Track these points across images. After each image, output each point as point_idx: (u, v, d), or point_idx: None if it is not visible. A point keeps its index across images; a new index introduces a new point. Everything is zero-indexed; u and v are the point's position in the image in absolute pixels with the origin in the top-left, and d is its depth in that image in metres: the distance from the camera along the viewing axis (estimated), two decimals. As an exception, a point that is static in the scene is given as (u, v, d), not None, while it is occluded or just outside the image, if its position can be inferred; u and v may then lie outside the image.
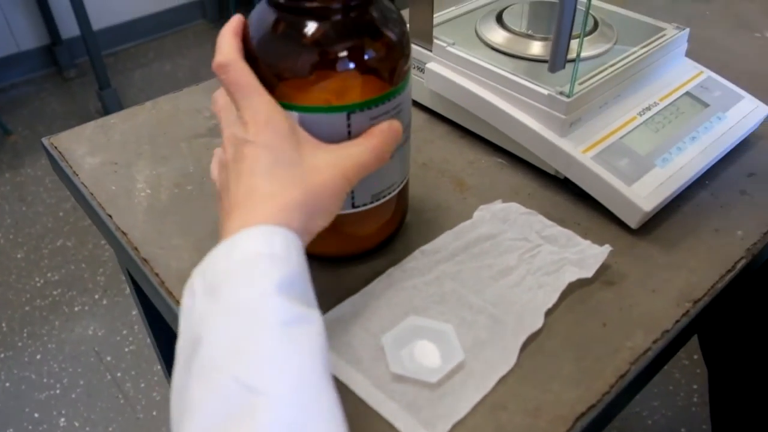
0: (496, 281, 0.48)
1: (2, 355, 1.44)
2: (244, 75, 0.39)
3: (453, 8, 0.68)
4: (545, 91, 0.54)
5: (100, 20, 2.40)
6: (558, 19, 0.49)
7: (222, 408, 0.29)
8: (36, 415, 1.32)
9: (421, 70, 0.63)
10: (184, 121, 0.67)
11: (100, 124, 0.67)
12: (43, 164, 2.00)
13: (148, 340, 1.35)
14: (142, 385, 1.37)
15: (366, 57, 0.40)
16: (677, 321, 0.45)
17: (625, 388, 0.42)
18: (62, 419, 1.31)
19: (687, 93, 0.61)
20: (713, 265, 0.50)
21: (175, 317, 0.44)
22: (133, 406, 1.33)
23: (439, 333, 0.44)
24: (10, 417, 1.32)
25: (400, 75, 0.42)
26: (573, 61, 0.52)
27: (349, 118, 0.41)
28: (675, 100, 0.60)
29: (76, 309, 1.54)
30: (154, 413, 1.32)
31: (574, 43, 0.52)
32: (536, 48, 0.59)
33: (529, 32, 0.61)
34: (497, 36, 0.61)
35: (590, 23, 0.62)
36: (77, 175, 0.60)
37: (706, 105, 0.60)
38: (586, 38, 0.59)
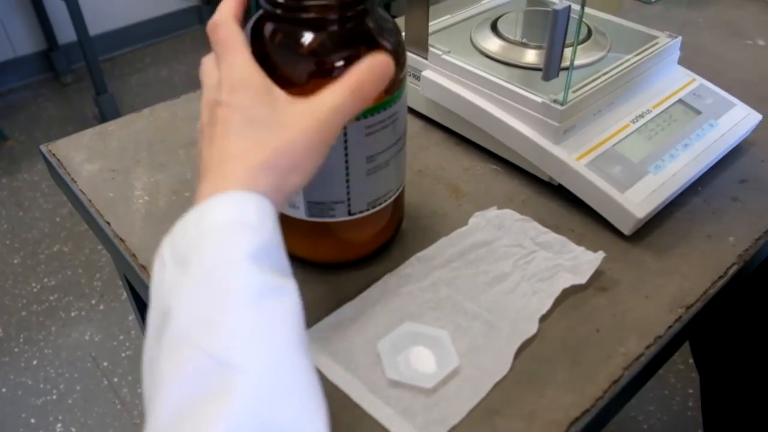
0: (491, 287, 0.48)
1: (-1, 361, 1.44)
2: (230, 34, 0.38)
3: (448, 16, 0.69)
4: (539, 99, 0.54)
5: (96, 26, 2.41)
6: (551, 29, 0.49)
7: (194, 383, 0.27)
8: (32, 420, 1.32)
9: (417, 77, 0.64)
10: (181, 128, 0.68)
11: (98, 131, 0.67)
12: (40, 169, 2.00)
13: (145, 346, 1.35)
14: (139, 390, 1.37)
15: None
16: (670, 327, 0.46)
17: (619, 393, 0.42)
18: (59, 425, 1.31)
19: (680, 100, 0.61)
20: (705, 271, 0.50)
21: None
22: (130, 412, 1.33)
23: (435, 339, 0.44)
24: (6, 423, 1.31)
25: (395, 84, 0.43)
26: (567, 69, 0.53)
27: (345, 127, 0.41)
28: (668, 108, 0.60)
29: (72, 314, 1.54)
30: (151, 419, 1.32)
31: (567, 52, 0.53)
32: (531, 56, 0.60)
33: (524, 41, 0.61)
34: (492, 44, 0.62)
35: (584, 31, 0.62)
36: (75, 182, 0.60)
37: (699, 112, 0.61)
38: (579, 46, 0.60)
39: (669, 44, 0.63)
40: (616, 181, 0.53)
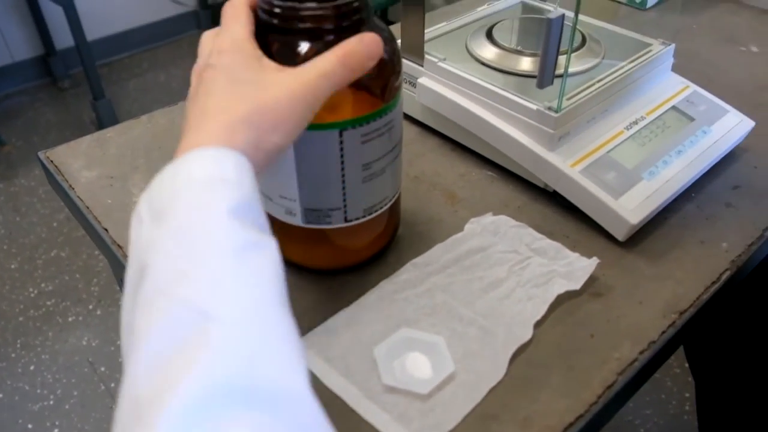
0: (487, 293, 0.49)
1: (-4, 366, 1.44)
2: (236, 11, 0.39)
3: (444, 24, 0.70)
4: (534, 106, 0.55)
5: (94, 31, 2.41)
6: (545, 37, 0.50)
7: (171, 333, 0.27)
8: (29, 426, 1.32)
9: (413, 84, 0.64)
10: (179, 134, 0.68)
11: (95, 138, 0.68)
12: (37, 175, 2.00)
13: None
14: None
15: None
16: (663, 332, 0.46)
17: (613, 398, 0.43)
18: (56, 430, 1.31)
19: (673, 107, 0.62)
20: (699, 277, 0.51)
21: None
22: (127, 417, 1.33)
23: (431, 345, 0.45)
24: (3, 428, 1.31)
25: (391, 92, 0.43)
26: (561, 76, 0.53)
27: (341, 135, 0.42)
28: (661, 115, 0.61)
29: (70, 319, 1.54)
30: (148, 424, 1.32)
31: (562, 59, 0.53)
32: (525, 64, 0.61)
33: (519, 48, 0.62)
34: (487, 52, 0.62)
35: (578, 39, 0.63)
36: (73, 188, 0.61)
37: (692, 119, 0.61)
38: (573, 54, 0.61)
39: (662, 51, 0.63)
40: (610, 187, 0.54)
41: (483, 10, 0.73)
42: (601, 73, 0.60)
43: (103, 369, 1.43)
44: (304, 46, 0.40)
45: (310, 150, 0.42)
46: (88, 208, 0.58)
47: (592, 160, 0.55)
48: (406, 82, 0.65)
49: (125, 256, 0.53)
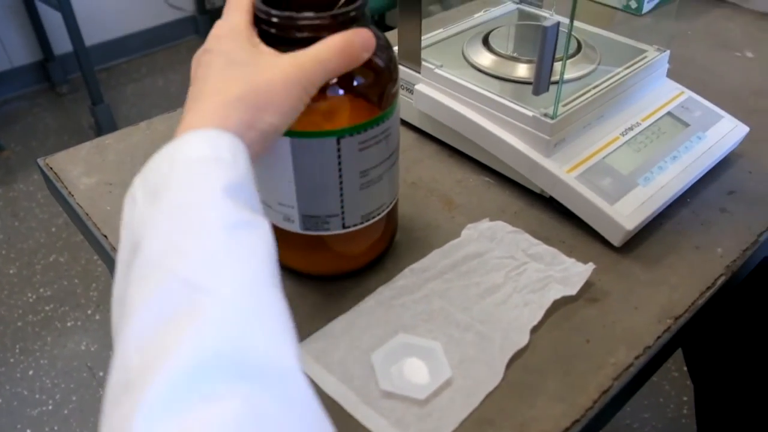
0: (483, 299, 0.49)
1: (-6, 372, 1.44)
2: (233, 1, 0.40)
3: (440, 30, 0.70)
4: (530, 113, 0.55)
5: (92, 36, 2.41)
6: (540, 45, 0.50)
7: (163, 306, 0.27)
8: (28, 431, 1.32)
9: (410, 91, 0.65)
10: (177, 141, 0.68)
11: (95, 144, 0.68)
12: (36, 180, 2.01)
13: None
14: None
15: (355, 83, 0.42)
16: (659, 337, 0.47)
17: (609, 403, 0.43)
18: (55, 436, 1.31)
19: (668, 113, 0.63)
20: (694, 282, 0.51)
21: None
22: (126, 422, 1.33)
23: (428, 350, 0.45)
24: (2, 434, 1.32)
25: (388, 99, 0.44)
26: (557, 83, 0.54)
27: (339, 142, 0.42)
28: (656, 120, 0.61)
29: (68, 324, 1.54)
30: (147, 429, 1.32)
31: (557, 66, 0.54)
32: (522, 70, 0.61)
33: (515, 55, 0.62)
34: (484, 58, 0.63)
35: (573, 45, 0.63)
36: (72, 195, 0.61)
37: (687, 125, 0.62)
38: (569, 60, 0.61)
39: (657, 58, 0.64)
40: (606, 193, 0.54)
41: (479, 16, 0.74)
42: (596, 79, 0.60)
43: (101, 374, 1.43)
44: None
45: (308, 157, 0.42)
46: (87, 214, 0.59)
47: (587, 166, 0.56)
48: (403, 89, 0.66)
49: (124, 262, 0.53)
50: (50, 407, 1.36)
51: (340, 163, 0.43)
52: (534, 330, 0.47)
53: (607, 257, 0.53)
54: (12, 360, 1.46)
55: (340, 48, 0.37)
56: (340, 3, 0.42)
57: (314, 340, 0.46)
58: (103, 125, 2.17)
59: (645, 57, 0.64)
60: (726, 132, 0.63)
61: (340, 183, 0.44)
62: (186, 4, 2.76)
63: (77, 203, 0.60)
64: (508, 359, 0.45)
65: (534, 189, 0.59)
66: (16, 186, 2.00)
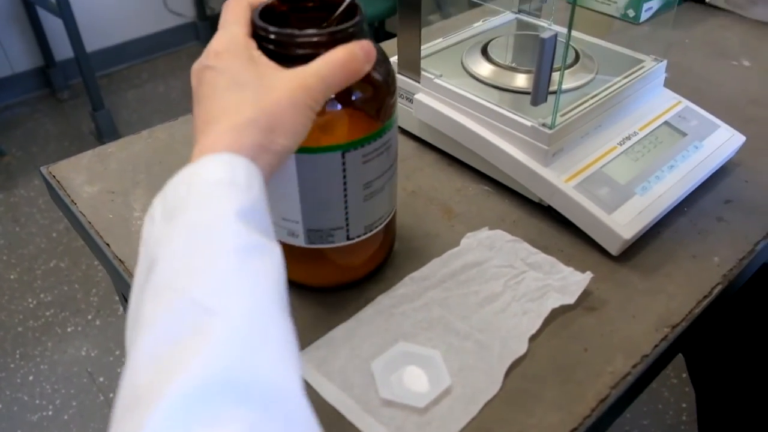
0: (483, 307, 0.50)
1: (-5, 377, 1.44)
2: (236, 10, 0.40)
3: (440, 40, 0.71)
4: (528, 123, 0.56)
5: (93, 42, 2.42)
6: (538, 56, 0.51)
7: (173, 325, 0.28)
8: (28, 437, 1.32)
9: (410, 100, 0.65)
10: (179, 149, 0.69)
11: (97, 153, 0.69)
12: (37, 185, 2.01)
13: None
14: (135, 406, 1.37)
15: (354, 97, 0.42)
16: (656, 346, 0.47)
17: (606, 411, 0.43)
18: (55, 441, 1.31)
19: (665, 123, 0.63)
20: (691, 291, 0.51)
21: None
22: (126, 428, 1.33)
23: (427, 359, 0.46)
24: (2, 439, 1.32)
25: (387, 111, 0.44)
26: (555, 93, 0.55)
27: (343, 157, 0.42)
28: (654, 130, 0.62)
29: (69, 330, 1.55)
30: (147, 435, 1.32)
31: (555, 76, 0.54)
32: (520, 80, 0.62)
33: (513, 65, 0.63)
34: (482, 68, 0.64)
35: (571, 55, 0.64)
36: (75, 203, 0.62)
37: (684, 134, 0.62)
38: (567, 70, 0.62)
39: (654, 68, 0.64)
40: (604, 202, 0.55)
41: (478, 26, 0.74)
42: (594, 89, 0.61)
43: (101, 379, 1.43)
44: None
45: (313, 173, 0.43)
46: (90, 223, 0.59)
47: (585, 175, 0.56)
48: (403, 98, 0.66)
49: (127, 270, 0.54)
50: (50, 412, 1.36)
51: (344, 177, 0.44)
52: (532, 338, 0.47)
53: (605, 266, 0.54)
54: (12, 365, 1.46)
55: (342, 63, 0.38)
56: (336, 14, 0.43)
57: (315, 348, 0.47)
58: (104, 131, 2.18)
59: (642, 67, 0.64)
60: (723, 141, 0.63)
61: (345, 196, 0.45)
62: (186, 10, 2.77)
63: (80, 211, 0.61)
64: (506, 368, 0.45)
65: (533, 198, 0.60)
66: (16, 191, 2.00)
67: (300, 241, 0.47)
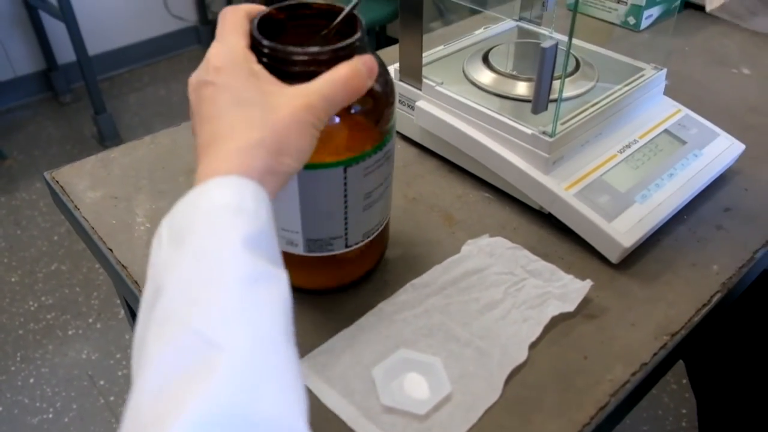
0: (483, 314, 0.50)
1: (-5, 380, 1.44)
2: (234, 21, 0.39)
3: (441, 47, 0.71)
4: (529, 131, 0.56)
5: (95, 46, 2.43)
6: (539, 65, 0.51)
7: (178, 360, 0.27)
8: (29, 440, 1.32)
9: (411, 107, 0.66)
10: (182, 155, 0.69)
11: (100, 158, 0.69)
12: (38, 188, 2.02)
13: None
14: (136, 409, 1.37)
15: (353, 111, 0.42)
16: (655, 354, 0.48)
17: (606, 419, 0.44)
18: (55, 444, 1.31)
19: (665, 131, 0.63)
20: (690, 300, 0.52)
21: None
22: (126, 431, 1.33)
23: (428, 366, 0.46)
24: (2, 442, 1.32)
25: (386, 121, 0.44)
26: (555, 101, 0.55)
27: (345, 171, 0.43)
28: (654, 138, 0.62)
29: (69, 333, 1.55)
30: (147, 438, 1.32)
31: (556, 84, 0.55)
32: (521, 88, 0.62)
33: (514, 73, 0.63)
34: (483, 76, 0.64)
35: (572, 64, 0.64)
36: (78, 209, 0.62)
37: (684, 142, 0.63)
38: (567, 78, 0.62)
39: (655, 76, 0.65)
40: (604, 210, 0.55)
41: (480, 33, 0.75)
42: (594, 97, 0.61)
43: (102, 382, 1.43)
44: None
45: (315, 187, 0.43)
46: (93, 228, 0.59)
47: (586, 183, 0.57)
48: (404, 105, 0.67)
49: (130, 276, 0.54)
50: (51, 415, 1.37)
51: (345, 190, 0.44)
52: (532, 346, 0.48)
53: (605, 274, 0.54)
54: (13, 368, 1.47)
55: (345, 81, 0.38)
56: (334, 24, 0.43)
57: (316, 354, 0.47)
58: (106, 134, 2.19)
59: (642, 75, 0.65)
60: (722, 150, 0.63)
61: (345, 208, 0.45)
62: (188, 14, 2.78)
63: (83, 217, 0.61)
64: (506, 375, 0.46)
65: (533, 205, 0.60)
66: (18, 194, 2.01)
67: (299, 250, 0.47)
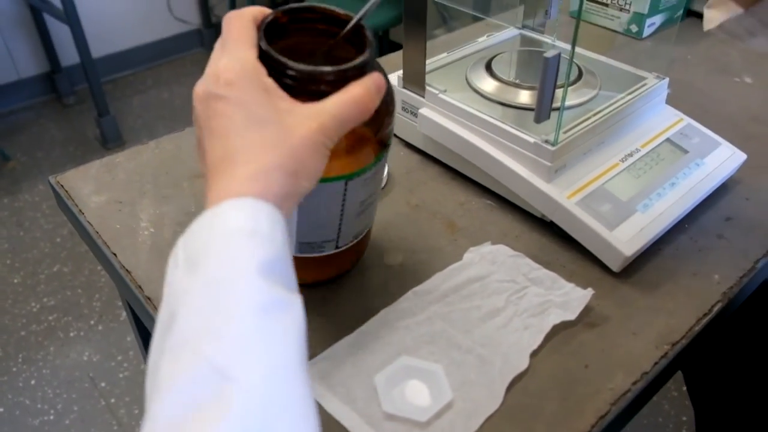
0: (484, 322, 0.50)
1: (-3, 381, 1.44)
2: (243, 28, 0.38)
3: (444, 55, 0.72)
4: (532, 139, 0.57)
5: (99, 48, 2.44)
6: (542, 75, 0.52)
7: (192, 391, 0.27)
8: (30, 442, 1.32)
9: (414, 114, 0.66)
10: (186, 160, 0.70)
11: (104, 162, 0.69)
12: (41, 190, 2.02)
13: (143, 366, 1.36)
14: (137, 411, 1.38)
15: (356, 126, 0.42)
16: (656, 363, 0.48)
17: (606, 428, 0.44)
18: (56, 446, 1.32)
19: (667, 140, 0.64)
20: (691, 309, 0.52)
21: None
22: (127, 434, 1.34)
23: (429, 373, 0.46)
24: (3, 444, 1.32)
25: (386, 131, 0.45)
26: (558, 109, 0.55)
27: (346, 184, 0.43)
28: (656, 147, 0.63)
29: (71, 334, 1.55)
30: (148, 441, 1.32)
31: (559, 92, 0.55)
32: (523, 96, 0.62)
33: (517, 81, 0.64)
34: (486, 84, 0.64)
35: (574, 72, 0.65)
36: (83, 213, 0.62)
37: (686, 151, 0.63)
38: (570, 87, 0.62)
39: (657, 85, 0.65)
40: (606, 219, 0.55)
41: (483, 41, 0.75)
42: (597, 105, 0.61)
43: (103, 384, 1.43)
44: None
45: (315, 200, 0.43)
46: (97, 233, 0.60)
47: (588, 192, 0.57)
48: (408, 112, 0.67)
49: (134, 281, 0.55)
50: (52, 417, 1.37)
51: (344, 201, 0.44)
52: (534, 354, 0.48)
53: (607, 282, 0.54)
54: (14, 369, 1.47)
55: (356, 101, 0.37)
56: (341, 35, 0.42)
57: (318, 361, 0.47)
58: (109, 136, 2.19)
59: (645, 84, 0.65)
60: (724, 159, 0.64)
61: (341, 215, 0.46)
62: (192, 17, 2.78)
63: (87, 221, 0.61)
64: (508, 383, 0.46)
65: (535, 213, 0.60)
66: (21, 196, 2.01)
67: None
